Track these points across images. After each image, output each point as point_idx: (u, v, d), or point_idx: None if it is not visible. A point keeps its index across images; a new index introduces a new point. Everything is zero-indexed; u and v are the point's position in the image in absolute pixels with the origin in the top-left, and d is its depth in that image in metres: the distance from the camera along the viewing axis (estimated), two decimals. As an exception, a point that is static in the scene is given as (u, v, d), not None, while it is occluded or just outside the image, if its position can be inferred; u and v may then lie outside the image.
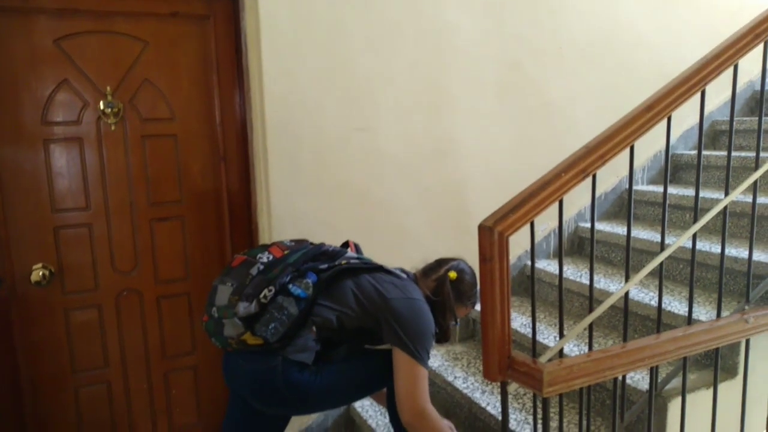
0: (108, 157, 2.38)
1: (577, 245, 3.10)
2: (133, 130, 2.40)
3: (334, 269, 1.75)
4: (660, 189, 3.01)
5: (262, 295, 1.62)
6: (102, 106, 2.34)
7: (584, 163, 1.51)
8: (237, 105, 2.53)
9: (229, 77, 2.50)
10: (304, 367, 1.69)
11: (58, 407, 2.44)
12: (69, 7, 2.24)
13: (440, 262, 1.92)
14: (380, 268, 1.83)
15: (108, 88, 2.34)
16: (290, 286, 1.66)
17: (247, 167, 2.56)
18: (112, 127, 2.37)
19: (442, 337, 1.86)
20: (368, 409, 2.51)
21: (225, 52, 2.48)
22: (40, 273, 2.32)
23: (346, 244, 1.97)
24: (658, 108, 1.61)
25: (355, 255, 1.90)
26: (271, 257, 1.73)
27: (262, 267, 1.69)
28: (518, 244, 2.84)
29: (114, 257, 2.45)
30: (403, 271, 1.90)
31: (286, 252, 1.76)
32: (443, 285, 1.83)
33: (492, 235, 1.39)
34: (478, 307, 2.68)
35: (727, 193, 1.84)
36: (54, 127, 2.30)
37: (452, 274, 1.85)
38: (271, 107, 2.35)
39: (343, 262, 1.79)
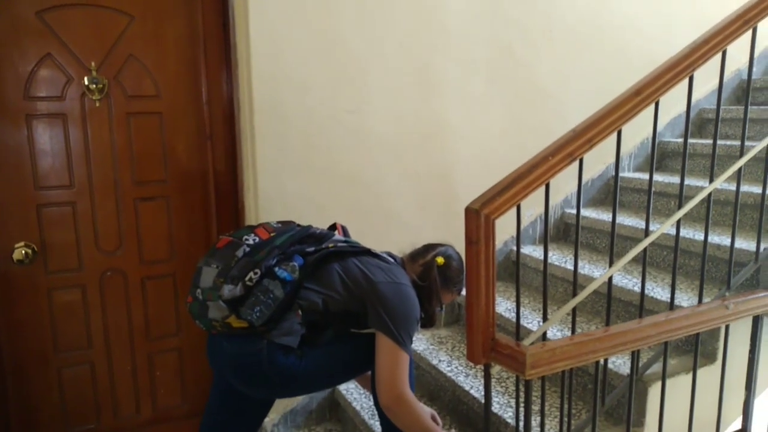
0: (92, 134, 2.35)
1: (563, 231, 3.12)
2: (118, 106, 2.37)
3: (320, 252, 1.74)
4: (646, 176, 3.03)
5: (247, 278, 1.61)
6: (86, 82, 2.30)
7: (571, 146, 1.51)
8: (224, 83, 2.50)
9: (216, 54, 2.47)
10: (290, 350, 1.69)
11: (41, 387, 2.43)
12: (52, -21, 2.19)
13: (428, 248, 1.92)
14: (367, 252, 1.82)
15: (92, 64, 2.30)
16: (276, 269, 1.64)
17: (234, 147, 2.53)
18: (97, 104, 2.33)
19: (428, 322, 1.86)
20: (353, 391, 2.52)
21: (212, 28, 2.44)
22: (23, 251, 2.29)
23: (333, 227, 1.96)
24: (646, 93, 1.61)
25: (342, 238, 1.89)
26: (257, 239, 1.71)
27: (248, 249, 1.67)
28: (504, 229, 2.84)
29: (98, 237, 2.42)
30: (390, 255, 1.89)
31: (272, 234, 1.74)
32: (430, 270, 1.83)
33: (478, 217, 1.39)
34: (464, 292, 2.71)
35: (711, 181, 1.85)
36: (37, 102, 2.26)
37: (440, 260, 1.85)
38: (259, 86, 2.32)
39: (330, 245, 1.78)
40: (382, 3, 2.50)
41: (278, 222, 1.84)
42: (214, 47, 2.46)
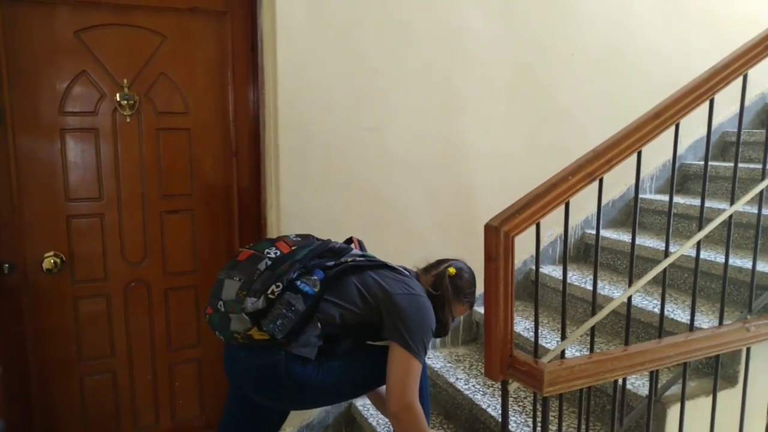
0: (122, 149, 2.42)
1: (583, 252, 3.11)
2: (148, 122, 2.44)
3: (340, 267, 1.78)
4: (667, 198, 3.02)
5: (269, 291, 1.64)
6: (118, 98, 2.38)
7: (591, 166, 1.53)
8: (250, 101, 2.57)
9: (244, 74, 2.54)
10: (307, 361, 1.71)
11: (64, 394, 2.48)
12: None
13: (440, 261, 1.97)
14: (384, 265, 1.86)
15: (125, 81, 2.38)
16: (298, 282, 1.68)
17: (258, 163, 2.59)
18: (128, 119, 2.41)
19: (441, 331, 1.89)
20: (369, 407, 2.52)
21: (241, 49, 2.52)
22: (52, 261, 2.36)
23: (350, 241, 1.99)
24: (666, 115, 1.62)
25: (360, 252, 1.92)
26: (278, 252, 1.74)
27: (269, 262, 1.70)
28: (524, 248, 2.85)
29: (124, 248, 2.48)
30: (405, 269, 1.93)
31: (293, 248, 1.78)
32: (442, 279, 1.88)
33: (498, 234, 1.41)
34: (481, 309, 2.71)
35: (732, 203, 1.85)
36: (71, 117, 2.34)
37: (451, 270, 1.90)
38: (284, 105, 2.38)
39: (349, 259, 1.82)
40: (404, 24, 2.55)
41: (297, 235, 1.88)
42: (241, 68, 2.53)
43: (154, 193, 2.49)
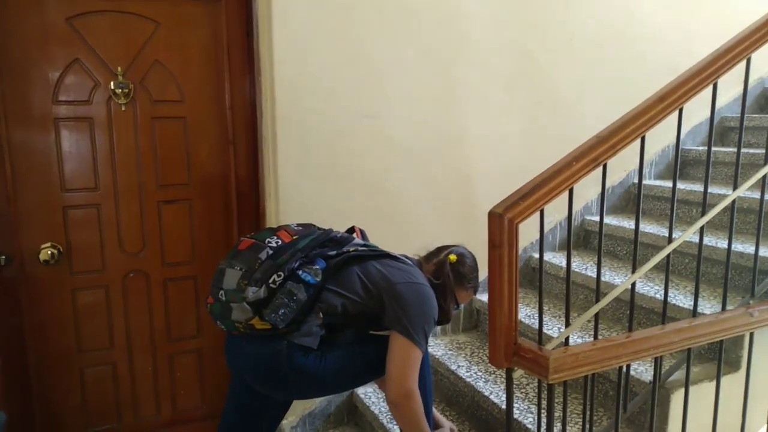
0: (118, 138, 2.39)
1: (583, 238, 3.11)
2: (143, 111, 2.41)
3: (342, 256, 1.77)
4: (667, 184, 3.01)
5: (271, 281, 1.63)
6: (113, 87, 2.34)
7: (595, 152, 1.51)
8: (247, 89, 2.53)
9: (240, 61, 2.50)
10: (309, 350, 1.71)
11: (64, 386, 2.46)
12: (82, -14, 2.24)
13: (441, 249, 1.97)
14: (387, 255, 1.85)
15: (119, 69, 2.34)
16: (300, 272, 1.67)
17: (255, 152, 2.56)
18: (123, 108, 2.38)
19: (444, 319, 1.89)
20: (371, 395, 2.52)
21: (236, 35, 2.48)
22: (49, 252, 2.33)
23: (351, 230, 1.98)
24: (670, 99, 1.61)
25: (362, 242, 1.91)
26: (279, 242, 1.73)
27: (271, 252, 1.69)
28: (525, 235, 2.79)
29: (122, 238, 2.46)
30: (406, 257, 1.92)
31: (294, 237, 1.76)
32: (443, 267, 1.87)
33: (502, 221, 1.39)
34: (483, 297, 2.70)
35: (735, 188, 1.84)
36: (65, 106, 2.31)
37: (452, 257, 1.89)
38: (281, 92, 2.35)
39: (351, 249, 1.81)
40: (403, 10, 2.52)
41: (298, 225, 1.87)
42: (237, 54, 2.49)
43: (151, 182, 2.46)
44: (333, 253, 1.77)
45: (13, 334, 2.34)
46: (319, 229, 1.88)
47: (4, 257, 2.27)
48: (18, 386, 2.37)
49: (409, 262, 1.87)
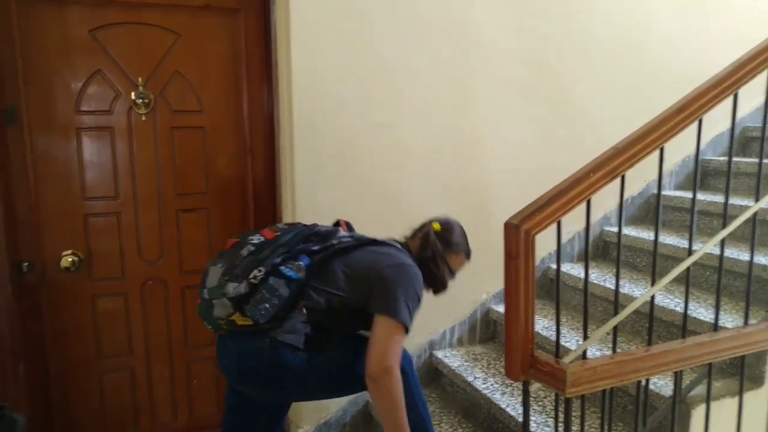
0: (138, 148, 2.42)
1: (602, 249, 3.07)
2: (163, 121, 2.44)
3: (326, 251, 1.75)
4: (687, 194, 2.97)
5: (251, 276, 1.63)
6: (133, 97, 2.38)
7: (613, 163, 1.50)
8: (264, 99, 2.55)
9: (258, 71, 2.53)
10: (295, 349, 1.68)
11: (83, 392, 2.49)
12: (105, -2, 2.29)
13: (424, 224, 1.98)
14: (371, 242, 1.83)
15: (140, 79, 2.38)
16: (282, 267, 1.66)
17: (272, 161, 2.58)
18: (143, 118, 2.41)
19: (440, 287, 1.89)
20: (386, 405, 2.51)
21: (254, 46, 2.51)
22: (70, 259, 2.37)
23: (337, 224, 1.96)
24: (689, 110, 1.59)
25: (346, 234, 1.89)
26: (261, 239, 1.75)
27: (252, 248, 1.70)
28: (542, 246, 2.78)
29: (141, 246, 2.49)
30: (394, 240, 1.91)
31: (277, 234, 1.77)
32: (428, 237, 1.88)
33: (518, 232, 1.38)
34: (500, 308, 2.69)
35: (757, 199, 1.81)
36: (87, 116, 2.35)
37: (435, 225, 1.90)
38: (298, 102, 2.36)
39: (335, 242, 1.79)
40: (416, 20, 2.52)
41: (285, 224, 1.87)
42: (255, 65, 2.52)
43: (170, 191, 2.49)
44: (317, 248, 1.75)
45: (35, 339, 2.37)
46: (305, 226, 1.86)
47: (26, 264, 2.31)
48: (38, 391, 2.40)
49: (395, 244, 1.86)
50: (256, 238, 1.74)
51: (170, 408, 2.63)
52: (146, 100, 2.39)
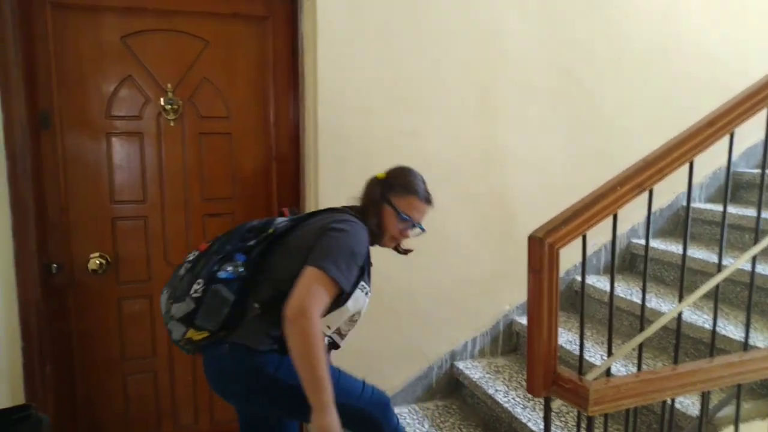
0: (166, 153, 2.46)
1: (629, 262, 3.02)
2: (191, 126, 2.47)
3: (265, 241, 1.70)
4: (718, 207, 2.90)
5: (192, 291, 1.61)
6: (162, 103, 2.42)
7: (641, 177, 1.47)
8: (291, 106, 2.57)
9: (284, 78, 2.55)
10: (259, 352, 1.62)
11: (107, 393, 2.53)
12: (136, 5, 2.33)
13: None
14: (309, 215, 1.79)
15: (169, 86, 2.42)
16: (219, 273, 1.62)
17: (297, 167, 2.59)
18: (171, 123, 2.45)
19: (378, 235, 1.80)
20: (405, 416, 2.50)
21: (282, 54, 2.53)
22: (97, 261, 2.41)
23: (280, 213, 1.90)
24: (720, 124, 1.55)
25: (283, 219, 1.82)
26: (196, 253, 1.74)
27: (189, 265, 1.70)
28: (567, 257, 2.76)
29: (167, 250, 2.52)
30: (345, 206, 1.85)
31: (209, 243, 1.75)
32: (371, 186, 1.84)
33: (542, 246, 1.36)
34: (522, 320, 2.66)
35: (792, 216, 1.76)
36: (117, 121, 2.39)
37: (379, 174, 1.86)
38: (323, 109, 2.38)
39: (271, 230, 1.73)
40: (442, 28, 2.52)
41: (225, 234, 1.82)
42: (282, 72, 2.54)
43: (196, 196, 2.52)
44: (253, 242, 1.71)
45: (62, 339, 2.42)
46: (240, 227, 1.81)
47: (55, 265, 2.36)
48: (63, 391, 2.45)
49: (337, 208, 1.82)
50: (191, 255, 1.74)
51: (192, 411, 2.65)
52: (175, 106, 2.43)
